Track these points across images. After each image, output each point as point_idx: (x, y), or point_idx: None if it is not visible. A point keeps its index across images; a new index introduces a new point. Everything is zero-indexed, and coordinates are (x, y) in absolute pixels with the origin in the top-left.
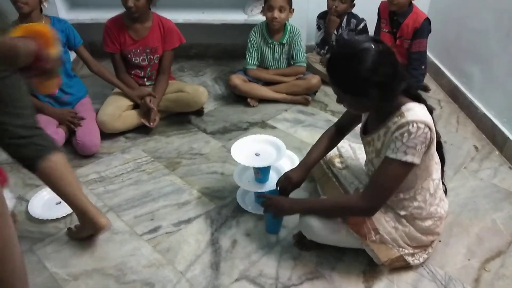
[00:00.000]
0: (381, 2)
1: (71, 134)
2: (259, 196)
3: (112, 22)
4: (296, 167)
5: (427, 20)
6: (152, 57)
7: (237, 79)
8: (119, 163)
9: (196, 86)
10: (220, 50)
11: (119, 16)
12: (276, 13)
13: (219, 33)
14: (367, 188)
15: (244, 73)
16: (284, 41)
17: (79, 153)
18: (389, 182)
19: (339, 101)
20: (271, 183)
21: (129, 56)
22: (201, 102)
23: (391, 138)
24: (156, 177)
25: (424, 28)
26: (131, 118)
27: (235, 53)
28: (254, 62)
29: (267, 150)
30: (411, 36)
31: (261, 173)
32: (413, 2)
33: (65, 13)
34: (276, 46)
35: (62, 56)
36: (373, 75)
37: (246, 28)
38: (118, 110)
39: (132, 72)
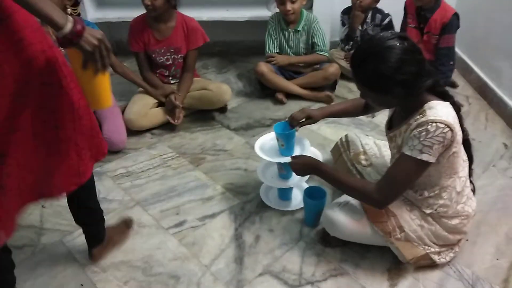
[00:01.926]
0: None
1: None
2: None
3: (136, 22)
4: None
5: (456, 15)
6: (176, 57)
7: (265, 67)
8: (145, 158)
9: (220, 84)
10: (243, 47)
11: (143, 15)
12: (289, 5)
13: (243, 30)
14: (382, 182)
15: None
16: (300, 28)
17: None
18: (402, 178)
19: (362, 96)
20: (295, 179)
21: (153, 55)
22: (224, 100)
23: (410, 136)
24: (181, 173)
25: (452, 23)
26: (157, 115)
27: (259, 50)
28: (275, 49)
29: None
30: (439, 31)
31: (285, 169)
32: None
33: (93, 12)
34: (292, 33)
35: None
36: (397, 73)
37: None
38: (144, 108)
39: (157, 71)
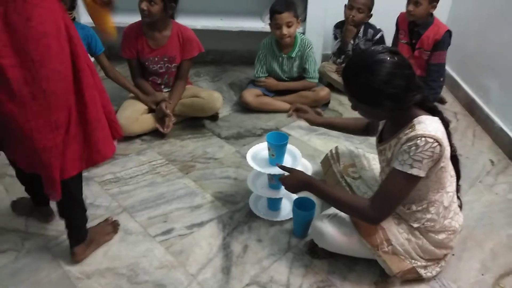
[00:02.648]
0: (400, 13)
1: None
2: (278, 166)
3: (131, 29)
4: None
5: (448, 32)
6: (169, 65)
7: (249, 96)
8: (134, 164)
9: (211, 92)
10: (236, 56)
11: (139, 23)
12: (285, 30)
13: (236, 40)
14: (375, 198)
15: (253, 84)
16: (293, 55)
17: None
18: (395, 193)
19: (353, 108)
20: (284, 189)
21: (146, 63)
22: (215, 108)
23: (400, 150)
24: (170, 180)
25: (445, 40)
26: (148, 121)
27: (251, 60)
28: (263, 74)
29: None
30: (431, 47)
31: (275, 179)
32: (433, 14)
33: (87, 17)
34: (285, 59)
35: None
36: (386, 86)
37: (262, 35)
38: (135, 114)
39: (150, 78)
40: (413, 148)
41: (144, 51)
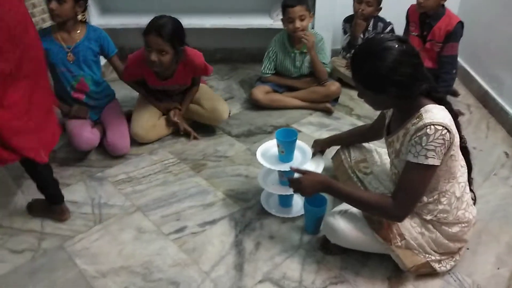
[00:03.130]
0: (410, 5)
1: (103, 135)
2: (292, 169)
3: (135, 61)
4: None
5: (460, 23)
6: (180, 87)
7: (259, 93)
8: (146, 164)
9: (216, 104)
10: (245, 54)
11: (142, 54)
12: (298, 23)
13: (245, 37)
14: (396, 195)
15: (261, 81)
16: (306, 50)
17: (109, 154)
18: (416, 186)
19: (359, 95)
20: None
21: (153, 90)
22: (218, 121)
23: (411, 142)
24: (182, 179)
25: (457, 31)
26: (163, 127)
27: (261, 57)
28: (270, 71)
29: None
30: (443, 39)
31: (286, 176)
32: (445, 5)
33: (97, 19)
34: (297, 55)
35: (93, 66)
36: (392, 73)
37: (271, 32)
38: (151, 121)
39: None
40: (424, 138)
41: (150, 80)
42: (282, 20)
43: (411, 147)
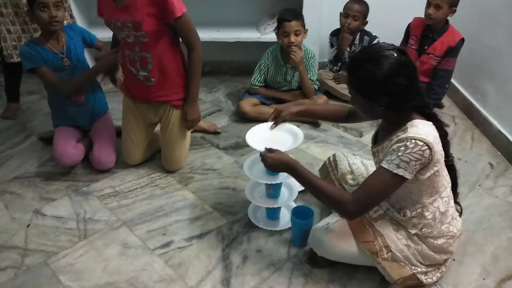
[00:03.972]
0: (414, 18)
1: (88, 149)
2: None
3: None
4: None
5: (462, 40)
6: (136, 34)
7: (246, 106)
8: (133, 178)
9: (171, 150)
10: (233, 67)
11: None
12: (293, 38)
13: (233, 50)
14: (356, 193)
15: (249, 93)
16: None
17: (95, 168)
18: (378, 191)
19: (352, 102)
20: (283, 198)
21: (113, 29)
22: (173, 168)
23: (389, 150)
24: (169, 192)
25: (458, 47)
26: (151, 148)
27: (249, 70)
28: (259, 83)
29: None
30: (443, 54)
31: (273, 188)
32: (449, 21)
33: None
34: (289, 69)
35: (84, 61)
36: (387, 82)
37: (259, 45)
38: (137, 147)
39: (124, 54)
40: (402, 148)
41: (107, 8)
42: (277, 33)
43: (387, 154)
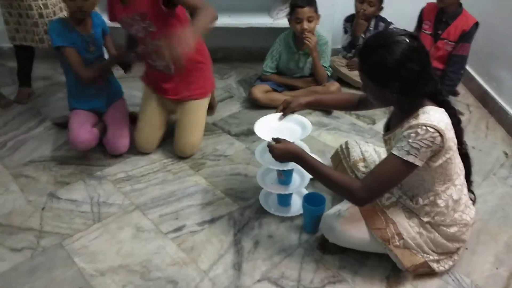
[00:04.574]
0: (427, 4)
1: (102, 134)
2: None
3: None
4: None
5: (476, 24)
6: (145, 26)
7: (258, 92)
8: (145, 163)
9: (186, 134)
10: (245, 53)
11: None
12: (306, 24)
13: (245, 36)
14: (366, 179)
15: (261, 80)
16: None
17: (108, 153)
18: (388, 177)
19: (363, 88)
20: (294, 185)
21: (125, 28)
22: (184, 154)
23: (400, 137)
24: (181, 177)
25: (472, 32)
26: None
27: (260, 56)
28: (271, 69)
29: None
30: (457, 38)
31: (284, 175)
32: (462, 4)
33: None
34: (301, 56)
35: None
36: (399, 67)
37: (271, 31)
38: (157, 134)
39: (141, 52)
40: (413, 135)
41: (116, 10)
42: (289, 19)
43: (398, 141)
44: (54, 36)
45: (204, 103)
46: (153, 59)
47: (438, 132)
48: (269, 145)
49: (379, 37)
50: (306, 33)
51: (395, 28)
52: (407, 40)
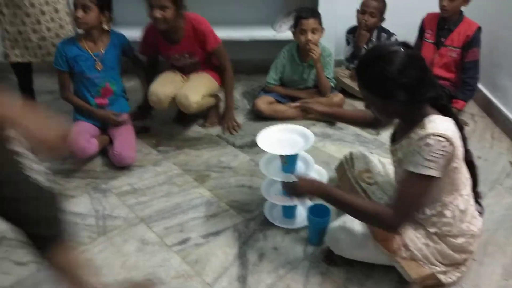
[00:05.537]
0: (427, 14)
1: (106, 146)
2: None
3: (146, 31)
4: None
5: (479, 29)
6: (192, 60)
7: (262, 104)
8: (150, 175)
9: (188, 92)
10: (249, 66)
11: (150, 22)
12: (310, 35)
13: (249, 49)
14: (393, 205)
15: (264, 91)
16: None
17: (114, 165)
18: (413, 197)
19: (367, 106)
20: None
21: (168, 60)
22: (184, 108)
23: (412, 151)
24: (185, 190)
25: (477, 36)
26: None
27: (264, 68)
28: (275, 81)
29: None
30: (462, 44)
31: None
32: (462, 11)
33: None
34: (305, 68)
35: (117, 68)
36: (400, 76)
37: (275, 44)
38: (171, 90)
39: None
40: (424, 147)
41: (162, 48)
42: (294, 32)
43: (411, 157)
44: (57, 57)
45: (213, 81)
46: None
47: (448, 140)
48: (290, 185)
49: (373, 51)
50: (310, 44)
51: (385, 40)
52: (402, 49)
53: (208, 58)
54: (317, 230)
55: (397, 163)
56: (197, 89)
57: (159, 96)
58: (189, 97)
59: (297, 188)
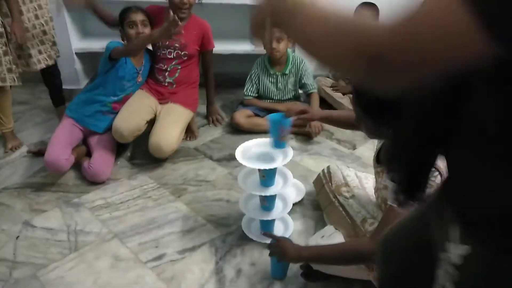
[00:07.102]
0: None
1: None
2: (265, 234)
3: (156, 7)
4: None
5: None
6: (179, 52)
7: (240, 117)
8: (125, 189)
9: (161, 137)
10: (227, 79)
11: (162, 8)
12: (274, 44)
13: (227, 62)
14: (376, 233)
15: (243, 105)
16: (287, 72)
17: (87, 179)
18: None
19: (356, 121)
20: (277, 211)
21: (156, 44)
22: (159, 154)
23: None
24: (161, 204)
25: None
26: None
27: (242, 82)
28: (252, 93)
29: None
30: None
31: (267, 200)
32: None
33: (77, 42)
34: (279, 76)
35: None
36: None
37: (253, 58)
38: (137, 125)
39: (156, 66)
40: None
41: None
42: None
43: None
44: (114, 43)
45: (187, 112)
46: (164, 76)
47: (438, 171)
48: (278, 251)
49: None
50: (313, 127)
51: None
52: None
53: (194, 56)
54: (278, 262)
55: (383, 185)
56: (171, 133)
57: (123, 133)
58: (163, 148)
59: (286, 258)
